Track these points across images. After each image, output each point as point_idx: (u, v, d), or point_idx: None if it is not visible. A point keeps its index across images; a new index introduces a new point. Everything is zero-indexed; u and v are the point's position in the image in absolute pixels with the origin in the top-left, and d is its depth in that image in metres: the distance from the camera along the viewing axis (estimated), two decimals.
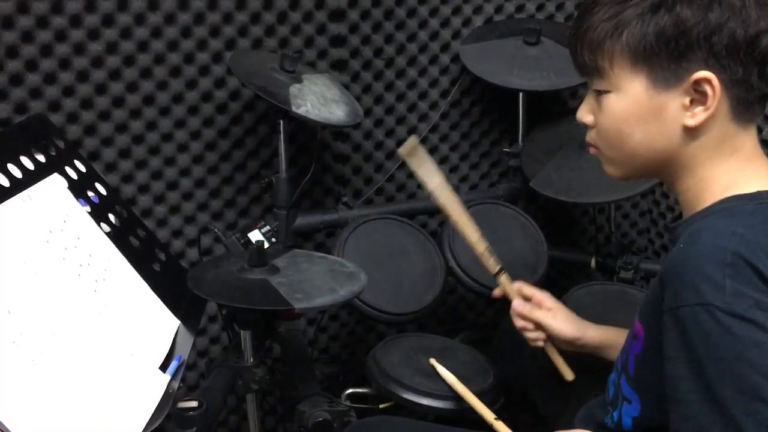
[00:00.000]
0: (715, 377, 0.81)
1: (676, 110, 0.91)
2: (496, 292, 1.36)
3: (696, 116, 0.90)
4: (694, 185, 0.95)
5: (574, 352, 1.30)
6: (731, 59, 0.87)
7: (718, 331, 0.80)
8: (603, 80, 0.95)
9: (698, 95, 0.89)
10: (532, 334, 1.30)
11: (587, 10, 0.94)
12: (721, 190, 0.92)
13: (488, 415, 1.26)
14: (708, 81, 0.88)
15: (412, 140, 1.32)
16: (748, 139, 0.93)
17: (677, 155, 0.94)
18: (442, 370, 1.37)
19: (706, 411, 0.81)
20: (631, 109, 0.93)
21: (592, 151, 1.03)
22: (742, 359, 0.79)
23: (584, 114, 1.01)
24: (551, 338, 1.30)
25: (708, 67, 0.87)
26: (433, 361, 1.39)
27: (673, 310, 0.84)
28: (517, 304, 1.31)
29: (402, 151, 1.32)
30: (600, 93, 0.96)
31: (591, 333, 1.27)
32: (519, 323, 1.31)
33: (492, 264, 1.32)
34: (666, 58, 0.89)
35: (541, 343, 1.31)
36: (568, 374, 1.31)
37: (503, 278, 1.33)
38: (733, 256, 0.81)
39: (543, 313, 1.29)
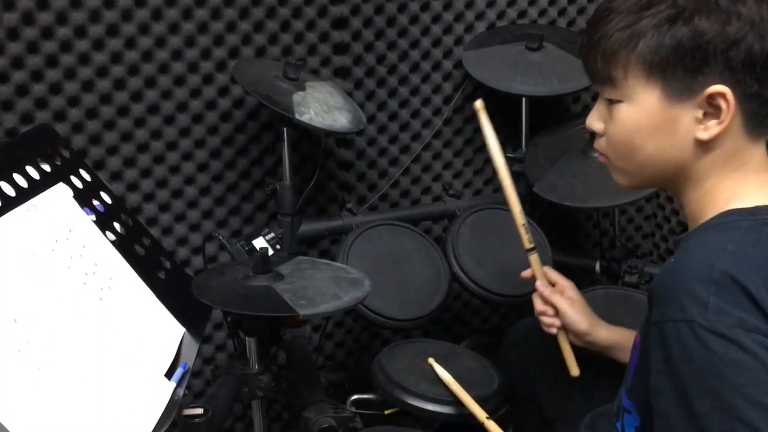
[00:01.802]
0: (694, 393, 0.80)
1: (689, 123, 0.89)
2: (525, 273, 1.36)
3: (709, 129, 0.89)
4: (699, 198, 0.94)
5: (583, 348, 1.30)
6: (747, 74, 0.86)
7: (699, 348, 0.80)
8: (615, 89, 0.93)
9: (712, 108, 0.88)
10: (548, 319, 1.31)
11: (601, 18, 0.92)
12: (723, 204, 0.91)
13: (480, 413, 1.28)
14: (722, 95, 0.86)
15: (479, 102, 1.32)
16: (757, 152, 0.92)
17: (687, 168, 0.92)
18: (439, 369, 1.38)
19: (684, 425, 0.81)
20: (644, 121, 0.91)
21: (601, 159, 1.02)
22: (721, 377, 0.79)
23: (594, 121, 0.99)
24: (564, 327, 1.30)
25: (723, 81, 0.86)
26: (431, 360, 1.41)
27: (658, 324, 0.84)
28: (541, 285, 1.32)
29: (477, 105, 1.32)
30: (611, 102, 0.94)
31: (602, 333, 1.28)
32: (539, 307, 1.32)
33: (527, 240, 1.32)
34: (681, 71, 0.87)
35: (554, 330, 1.31)
36: (574, 369, 1.31)
37: (534, 257, 1.34)
38: (721, 274, 0.81)
39: (562, 300, 1.29)
